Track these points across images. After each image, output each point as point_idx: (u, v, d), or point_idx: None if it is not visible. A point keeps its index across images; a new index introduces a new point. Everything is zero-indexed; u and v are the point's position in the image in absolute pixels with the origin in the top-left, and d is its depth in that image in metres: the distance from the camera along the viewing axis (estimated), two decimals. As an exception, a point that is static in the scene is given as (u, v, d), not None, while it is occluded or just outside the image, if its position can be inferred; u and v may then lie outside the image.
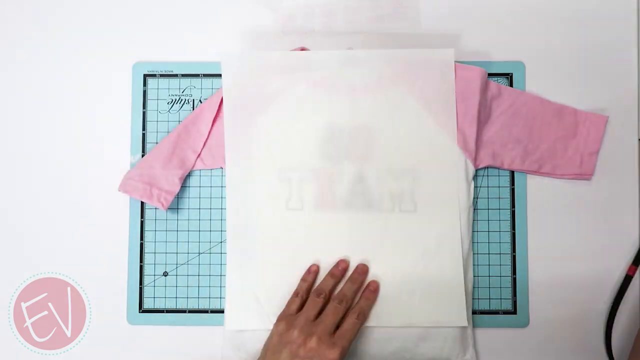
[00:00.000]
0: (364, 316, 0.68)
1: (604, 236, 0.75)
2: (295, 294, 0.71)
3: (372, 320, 0.71)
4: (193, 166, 0.76)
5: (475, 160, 0.73)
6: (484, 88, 0.73)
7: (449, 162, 0.72)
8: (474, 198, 0.74)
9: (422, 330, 0.71)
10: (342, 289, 0.70)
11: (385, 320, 0.71)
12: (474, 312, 0.75)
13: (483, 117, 0.73)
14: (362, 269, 0.71)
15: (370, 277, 0.72)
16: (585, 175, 0.75)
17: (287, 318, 0.68)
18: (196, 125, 0.76)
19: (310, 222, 0.73)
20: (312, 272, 0.72)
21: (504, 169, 0.76)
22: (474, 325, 0.74)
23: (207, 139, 0.75)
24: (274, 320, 0.70)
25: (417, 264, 0.72)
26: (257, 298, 0.72)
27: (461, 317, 0.71)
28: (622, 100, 0.77)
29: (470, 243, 0.74)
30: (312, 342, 0.64)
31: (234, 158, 0.74)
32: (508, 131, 0.74)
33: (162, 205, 0.75)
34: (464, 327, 0.72)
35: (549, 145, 0.74)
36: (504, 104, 0.74)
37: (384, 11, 0.79)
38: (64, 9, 0.80)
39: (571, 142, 0.75)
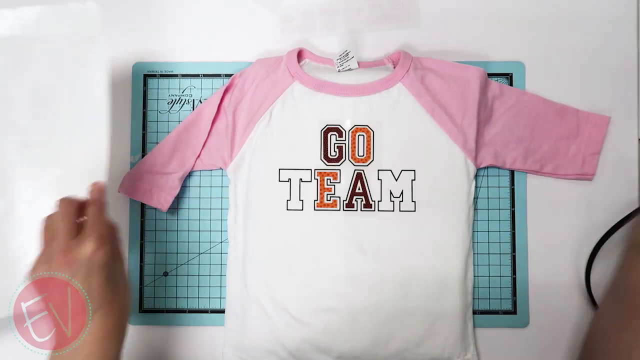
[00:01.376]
0: (99, 200, 0.63)
1: (603, 235, 0.75)
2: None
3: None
4: (193, 167, 0.76)
5: (476, 160, 0.73)
6: (484, 87, 0.73)
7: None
8: (474, 198, 0.74)
9: (423, 330, 0.71)
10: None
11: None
12: (474, 312, 0.75)
13: (484, 117, 0.74)
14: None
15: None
16: (586, 175, 0.75)
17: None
18: (196, 126, 0.76)
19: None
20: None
21: (506, 169, 0.76)
22: (474, 325, 0.74)
23: (206, 140, 0.75)
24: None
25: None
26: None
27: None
28: (622, 101, 0.77)
29: (471, 242, 0.74)
30: (60, 257, 0.60)
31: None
32: (510, 131, 0.74)
33: (162, 206, 0.75)
34: (465, 327, 0.72)
35: (551, 145, 0.74)
36: (506, 103, 0.74)
37: (384, 11, 0.79)
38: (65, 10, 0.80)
39: (573, 143, 0.75)
